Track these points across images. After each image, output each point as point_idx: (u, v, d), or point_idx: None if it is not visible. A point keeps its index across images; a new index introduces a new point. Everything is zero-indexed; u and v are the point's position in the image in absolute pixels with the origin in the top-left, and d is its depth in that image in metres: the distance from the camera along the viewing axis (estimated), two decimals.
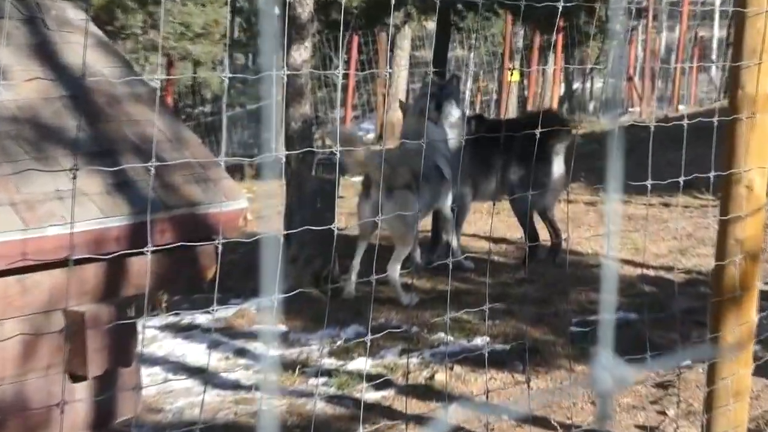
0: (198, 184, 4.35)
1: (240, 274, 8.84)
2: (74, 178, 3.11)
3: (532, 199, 8.58)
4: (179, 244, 3.78)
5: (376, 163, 7.77)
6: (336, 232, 3.49)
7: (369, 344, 3.51)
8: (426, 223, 9.20)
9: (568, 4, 3.93)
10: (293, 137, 8.32)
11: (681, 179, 4.23)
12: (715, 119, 4.22)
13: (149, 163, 3.14)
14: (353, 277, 7.99)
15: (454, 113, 8.64)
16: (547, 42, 24.87)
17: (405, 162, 7.86)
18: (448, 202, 8.36)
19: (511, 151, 8.61)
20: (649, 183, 3.94)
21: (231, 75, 3.06)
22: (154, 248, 3.19)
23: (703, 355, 4.94)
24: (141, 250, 3.17)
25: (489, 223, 9.78)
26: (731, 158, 4.17)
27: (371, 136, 24.38)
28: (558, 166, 8.78)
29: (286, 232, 2.99)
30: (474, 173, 8.84)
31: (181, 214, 4.22)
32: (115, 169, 4.02)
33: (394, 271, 7.87)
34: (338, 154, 3.60)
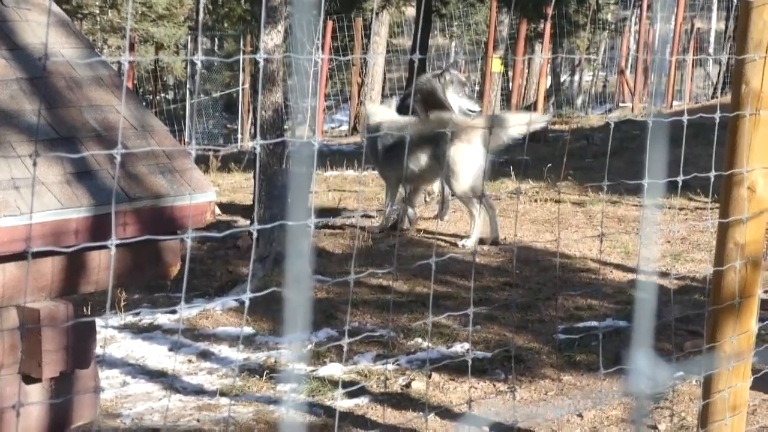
0: (164, 175, 4.34)
1: (205, 272, 8.83)
2: (34, 165, 3.10)
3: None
4: (144, 238, 3.77)
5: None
6: (312, 228, 3.48)
7: (346, 348, 3.52)
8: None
9: None
10: (264, 126, 8.33)
11: (679, 179, 4.25)
12: (716, 115, 4.23)
13: (113, 151, 3.13)
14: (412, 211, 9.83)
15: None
16: (534, 31, 24.94)
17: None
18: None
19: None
20: (645, 182, 3.94)
21: (203, 57, 3.06)
22: (118, 242, 3.18)
23: (698, 366, 4.96)
24: (103, 243, 3.16)
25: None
26: (732, 158, 4.18)
27: (344, 128, 24.36)
28: None
29: (257, 227, 2.98)
30: None
31: (145, 207, 4.22)
32: (75, 156, 4.01)
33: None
34: (316, 145, 3.60)
